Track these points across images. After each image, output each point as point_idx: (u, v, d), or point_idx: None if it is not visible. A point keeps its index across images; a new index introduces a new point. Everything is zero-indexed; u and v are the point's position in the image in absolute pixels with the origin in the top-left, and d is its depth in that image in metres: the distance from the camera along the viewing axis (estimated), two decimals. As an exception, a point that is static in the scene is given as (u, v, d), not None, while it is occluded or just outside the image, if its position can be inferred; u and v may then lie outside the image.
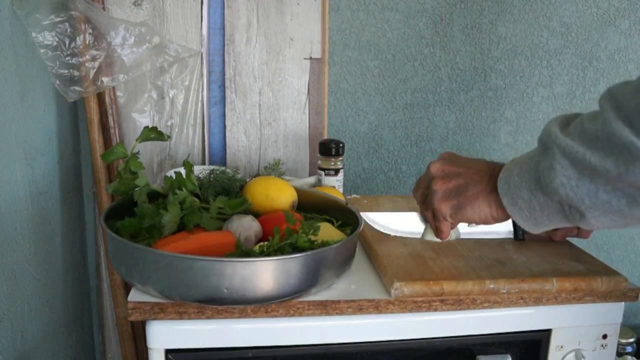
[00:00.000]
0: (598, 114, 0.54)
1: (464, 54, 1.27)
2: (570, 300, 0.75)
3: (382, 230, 0.90)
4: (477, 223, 0.70)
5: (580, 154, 0.54)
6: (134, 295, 0.68)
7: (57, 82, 1.01)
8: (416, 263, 0.77)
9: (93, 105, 1.08)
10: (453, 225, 0.79)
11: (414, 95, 1.28)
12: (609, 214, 0.56)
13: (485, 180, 0.67)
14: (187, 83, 1.13)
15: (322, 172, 1.04)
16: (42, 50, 0.98)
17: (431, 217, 0.76)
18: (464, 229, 0.85)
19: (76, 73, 1.02)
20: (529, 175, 0.61)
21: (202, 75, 1.14)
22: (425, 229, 0.83)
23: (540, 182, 0.59)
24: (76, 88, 1.03)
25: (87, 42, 1.03)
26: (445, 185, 0.71)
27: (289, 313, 0.69)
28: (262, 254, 0.69)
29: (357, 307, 0.70)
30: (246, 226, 0.75)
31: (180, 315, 0.67)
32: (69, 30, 1.01)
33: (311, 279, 0.67)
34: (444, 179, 0.72)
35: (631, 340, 1.28)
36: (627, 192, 0.53)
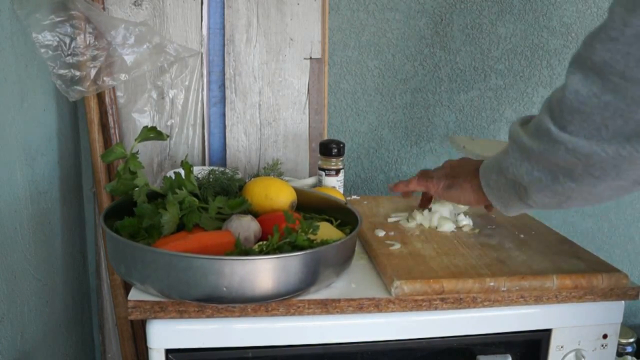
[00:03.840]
0: None
1: (464, 54, 1.27)
2: (571, 299, 0.75)
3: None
4: (461, 203, 0.84)
5: (522, 138, 0.66)
6: (134, 294, 0.68)
7: (59, 81, 1.01)
8: (416, 261, 0.77)
9: (93, 105, 1.08)
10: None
11: (414, 95, 1.28)
12: (542, 190, 0.66)
13: (473, 170, 0.81)
14: (187, 83, 1.13)
15: (323, 173, 1.03)
16: (42, 50, 0.98)
17: (422, 182, 0.90)
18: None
19: (77, 73, 1.02)
20: (496, 162, 0.74)
21: (202, 75, 1.14)
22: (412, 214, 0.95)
23: (501, 164, 0.71)
24: (77, 87, 1.03)
25: (88, 42, 1.03)
26: (445, 170, 0.87)
27: (289, 312, 0.69)
28: (261, 252, 0.68)
29: (358, 305, 0.70)
30: (245, 226, 0.75)
31: (181, 314, 0.67)
32: (69, 30, 1.01)
33: (310, 278, 0.67)
34: (446, 168, 0.87)
35: (631, 340, 1.27)
36: (550, 169, 0.64)
